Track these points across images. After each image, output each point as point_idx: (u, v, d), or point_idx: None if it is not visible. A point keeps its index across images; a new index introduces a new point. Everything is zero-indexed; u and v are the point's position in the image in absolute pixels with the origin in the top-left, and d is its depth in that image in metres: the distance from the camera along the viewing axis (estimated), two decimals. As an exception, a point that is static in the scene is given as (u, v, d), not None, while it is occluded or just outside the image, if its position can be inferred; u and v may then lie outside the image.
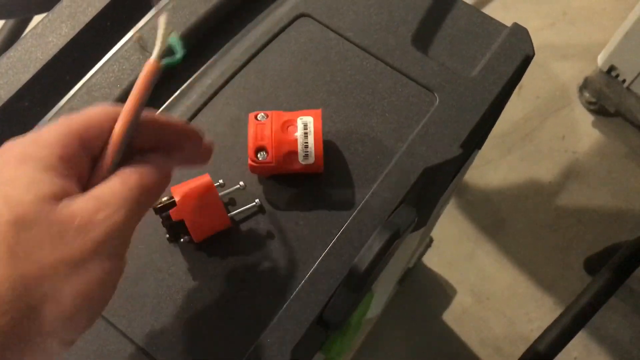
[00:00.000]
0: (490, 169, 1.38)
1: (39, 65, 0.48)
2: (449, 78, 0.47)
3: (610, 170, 1.37)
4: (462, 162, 0.55)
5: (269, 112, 0.43)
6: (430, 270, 1.28)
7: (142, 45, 0.34)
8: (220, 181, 0.43)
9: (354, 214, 0.43)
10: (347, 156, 0.45)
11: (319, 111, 0.42)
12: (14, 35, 1.03)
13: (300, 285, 0.42)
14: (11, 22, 1.06)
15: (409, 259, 0.88)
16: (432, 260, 1.28)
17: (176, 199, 0.40)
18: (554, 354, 0.94)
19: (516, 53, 0.48)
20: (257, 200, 0.43)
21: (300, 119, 0.42)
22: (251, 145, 0.42)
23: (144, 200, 0.30)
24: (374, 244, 0.40)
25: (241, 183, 0.43)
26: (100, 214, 0.26)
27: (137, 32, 0.32)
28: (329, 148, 0.45)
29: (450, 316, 1.25)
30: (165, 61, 0.30)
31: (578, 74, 1.44)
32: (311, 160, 0.42)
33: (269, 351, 0.40)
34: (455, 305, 1.27)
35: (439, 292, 1.27)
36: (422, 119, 0.46)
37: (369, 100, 0.47)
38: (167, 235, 0.42)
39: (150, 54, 0.30)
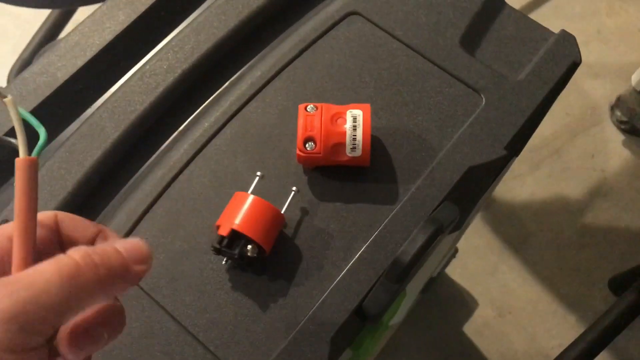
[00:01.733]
0: (517, 183, 1.37)
1: (95, 49, 0.49)
2: (495, 80, 0.48)
3: (639, 190, 1.36)
4: (504, 165, 0.55)
5: (318, 105, 0.44)
6: (453, 281, 1.28)
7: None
8: (259, 173, 0.43)
9: (397, 208, 0.44)
10: (392, 152, 0.46)
11: (367, 105, 0.43)
12: (59, 26, 1.06)
13: (341, 275, 0.42)
14: (56, 12, 1.09)
15: (436, 266, 0.88)
16: (456, 271, 1.28)
17: (239, 229, 0.40)
18: (577, 371, 0.93)
19: (563, 59, 0.48)
20: (294, 188, 0.43)
21: (350, 111, 0.43)
22: (300, 135, 0.43)
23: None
24: (419, 237, 0.40)
25: (294, 188, 0.43)
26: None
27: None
28: (375, 143, 0.46)
29: (471, 329, 1.25)
30: (36, 150, 0.27)
31: (610, 93, 1.43)
32: (358, 152, 0.42)
33: (309, 338, 0.41)
34: (476, 318, 1.26)
35: (461, 304, 1.27)
36: (467, 119, 0.47)
37: (415, 98, 0.48)
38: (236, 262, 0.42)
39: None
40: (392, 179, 0.45)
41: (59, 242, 0.29)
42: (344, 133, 0.42)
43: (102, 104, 0.47)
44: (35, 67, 0.48)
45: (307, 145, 0.43)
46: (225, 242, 0.40)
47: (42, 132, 0.27)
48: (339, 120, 0.42)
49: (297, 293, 0.42)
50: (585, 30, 1.53)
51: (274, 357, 0.40)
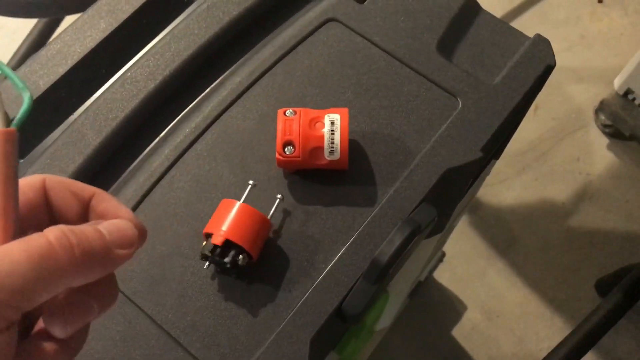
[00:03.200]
0: (503, 187, 1.38)
1: (76, 58, 0.50)
2: (471, 84, 0.49)
3: (624, 193, 1.37)
4: (481, 168, 0.56)
5: (297, 109, 0.44)
6: (441, 285, 1.28)
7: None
8: (251, 182, 0.44)
9: (376, 210, 0.45)
10: (371, 155, 0.46)
11: (345, 110, 0.44)
12: (45, 35, 1.06)
13: (321, 277, 0.43)
14: (43, 22, 1.10)
15: (422, 269, 0.89)
16: (444, 276, 1.29)
17: (233, 239, 0.40)
18: (563, 372, 0.94)
19: (538, 62, 0.49)
20: (279, 195, 0.44)
21: (328, 116, 0.43)
22: (279, 139, 0.43)
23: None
24: (396, 238, 0.41)
25: (279, 196, 0.44)
26: None
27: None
28: (353, 147, 0.46)
29: (459, 332, 1.25)
30: (17, 119, 0.25)
31: (594, 97, 1.45)
32: (337, 156, 0.43)
33: (289, 339, 0.41)
34: (464, 321, 1.27)
35: (449, 308, 1.28)
36: (444, 122, 0.48)
37: (393, 102, 0.48)
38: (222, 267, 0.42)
39: None
40: (370, 181, 0.46)
41: (48, 212, 0.27)
42: (322, 137, 0.43)
43: (84, 112, 0.48)
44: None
45: (286, 149, 0.43)
46: (218, 251, 0.40)
47: (26, 97, 0.25)
48: (317, 125, 0.43)
49: (278, 295, 0.43)
50: (569, 35, 1.55)
51: (255, 359, 0.41)
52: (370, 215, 0.44)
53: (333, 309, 0.42)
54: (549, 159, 1.41)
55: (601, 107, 1.40)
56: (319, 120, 0.43)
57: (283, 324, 0.42)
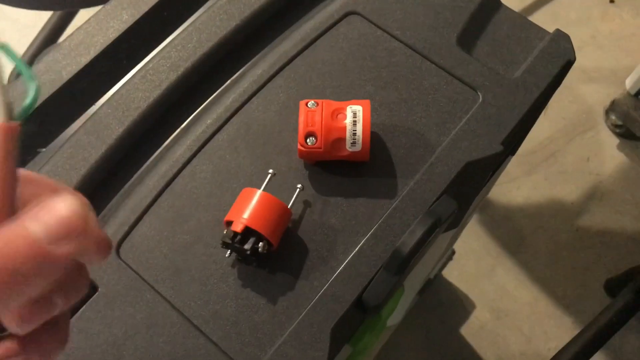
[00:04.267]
0: (513, 187, 1.38)
1: (99, 48, 0.50)
2: (492, 78, 0.49)
3: (634, 194, 1.37)
4: (501, 161, 0.56)
5: (319, 101, 0.44)
6: (450, 283, 1.28)
7: None
8: (271, 171, 0.44)
9: (397, 202, 0.45)
10: (391, 147, 0.47)
11: (367, 101, 0.44)
12: (58, 30, 1.06)
13: (341, 267, 0.43)
14: (56, 16, 1.10)
15: (434, 265, 0.89)
16: (453, 274, 1.29)
17: (253, 226, 0.41)
18: (573, 371, 0.94)
19: (558, 57, 0.49)
20: (299, 185, 0.44)
21: (350, 107, 0.43)
22: (301, 130, 0.43)
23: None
24: (418, 229, 0.41)
25: (299, 185, 0.44)
26: None
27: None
28: (374, 138, 0.47)
29: (467, 331, 1.25)
30: (20, 111, 0.23)
31: (605, 97, 1.44)
32: (358, 147, 0.43)
33: (310, 328, 0.41)
34: (473, 320, 1.27)
35: (458, 306, 1.28)
36: (464, 115, 0.48)
37: (413, 95, 0.49)
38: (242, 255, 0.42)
39: None
40: (391, 173, 0.46)
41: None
42: (344, 128, 0.43)
43: (106, 102, 0.48)
44: (40, 66, 0.49)
45: (308, 140, 0.43)
46: (238, 238, 0.41)
47: (32, 87, 0.23)
48: (340, 116, 0.43)
49: (299, 285, 0.43)
50: (580, 35, 1.55)
51: (276, 348, 0.41)
52: (391, 207, 0.45)
53: (354, 299, 0.42)
54: (559, 159, 1.41)
55: (612, 107, 1.40)
56: (341, 111, 0.44)
57: (304, 313, 0.42)
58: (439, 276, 1.25)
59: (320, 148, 0.43)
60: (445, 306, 1.27)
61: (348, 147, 0.43)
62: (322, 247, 0.44)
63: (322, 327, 0.41)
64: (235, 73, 0.50)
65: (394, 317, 0.91)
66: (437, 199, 0.45)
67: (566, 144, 1.42)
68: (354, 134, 0.43)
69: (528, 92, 0.48)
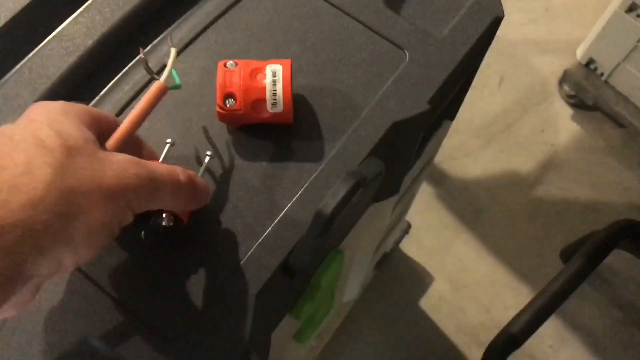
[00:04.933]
0: (470, 160, 1.39)
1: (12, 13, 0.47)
2: (419, 37, 0.48)
3: (588, 163, 1.39)
4: (432, 125, 0.55)
5: (238, 61, 0.43)
6: (408, 257, 1.29)
7: (145, 67, 0.38)
8: (169, 140, 0.42)
9: (323, 165, 0.44)
10: (317, 109, 0.45)
11: (288, 61, 0.43)
12: None
13: (266, 233, 0.42)
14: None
15: (384, 236, 0.89)
16: (411, 248, 1.29)
17: None
18: (526, 336, 0.95)
19: (486, 14, 0.49)
20: (209, 152, 0.42)
21: (269, 66, 0.42)
22: (219, 92, 0.42)
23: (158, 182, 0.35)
24: (340, 189, 0.40)
25: (208, 152, 0.43)
26: (132, 169, 0.33)
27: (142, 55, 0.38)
28: (299, 101, 0.45)
29: (427, 303, 1.26)
30: (170, 85, 0.38)
31: (558, 68, 1.45)
32: (279, 108, 0.42)
33: (234, 295, 0.40)
34: (432, 292, 1.27)
35: (416, 280, 1.28)
36: (391, 75, 0.47)
37: (340, 56, 0.47)
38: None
39: (156, 75, 0.38)
40: (317, 136, 0.45)
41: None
42: (264, 88, 0.41)
43: (17, 70, 0.46)
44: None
45: (227, 102, 0.42)
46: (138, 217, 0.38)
47: (179, 82, 0.39)
48: (259, 76, 0.42)
49: (221, 253, 0.41)
50: (533, 7, 1.55)
51: (201, 319, 0.40)
52: (317, 170, 0.44)
53: (279, 264, 0.41)
54: (514, 131, 1.42)
55: (564, 78, 1.41)
56: (260, 71, 0.42)
57: (227, 281, 0.41)
58: (395, 250, 1.25)
59: (240, 110, 0.42)
60: (404, 280, 1.28)
61: (269, 108, 0.42)
62: (245, 214, 0.43)
63: (247, 293, 0.40)
64: (156, 37, 0.48)
65: (350, 291, 0.90)
66: (364, 160, 0.44)
67: (521, 116, 1.43)
68: (274, 94, 0.42)
69: (455, 50, 0.47)
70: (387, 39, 0.48)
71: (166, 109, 0.45)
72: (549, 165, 1.39)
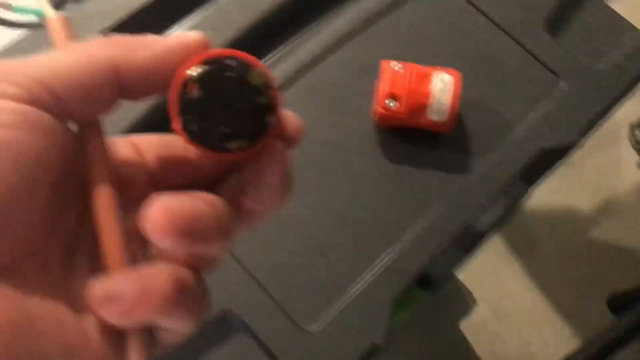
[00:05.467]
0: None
1: None
2: (576, 66, 0.47)
3: (647, 212, 1.37)
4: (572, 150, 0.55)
5: (404, 63, 0.43)
6: (455, 278, 1.28)
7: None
8: None
9: (469, 178, 0.43)
10: (469, 122, 0.45)
11: (457, 72, 0.42)
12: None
13: (408, 238, 0.42)
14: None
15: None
16: (459, 270, 1.28)
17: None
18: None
19: (647, 56, 0.48)
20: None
21: (439, 74, 0.42)
22: (383, 91, 0.42)
23: None
24: (496, 208, 0.40)
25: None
26: None
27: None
28: (452, 111, 0.45)
29: (467, 326, 1.25)
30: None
31: (632, 113, 1.43)
32: (442, 117, 0.42)
33: (371, 298, 0.40)
34: (474, 316, 1.26)
35: (461, 302, 1.27)
36: (544, 100, 0.46)
37: (495, 73, 0.47)
38: None
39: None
40: (466, 149, 0.44)
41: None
42: (430, 95, 0.41)
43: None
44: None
45: (390, 102, 0.42)
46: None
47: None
48: (426, 82, 0.42)
49: (363, 249, 0.41)
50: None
51: (334, 312, 0.39)
52: (463, 183, 0.43)
53: (418, 272, 0.41)
54: (578, 168, 1.40)
55: (638, 124, 1.39)
56: (427, 77, 0.42)
57: (366, 281, 0.40)
58: (447, 269, 1.24)
59: (402, 113, 0.42)
60: (449, 300, 1.27)
61: (431, 115, 0.42)
62: (390, 215, 0.42)
63: (384, 297, 0.40)
64: (313, 23, 0.48)
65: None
66: (510, 181, 0.43)
67: (588, 154, 1.42)
68: (440, 103, 0.41)
69: (612, 86, 0.47)
70: (543, 64, 0.47)
71: (319, 99, 0.45)
72: (609, 208, 1.37)
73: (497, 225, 0.40)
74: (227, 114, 0.21)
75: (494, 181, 0.43)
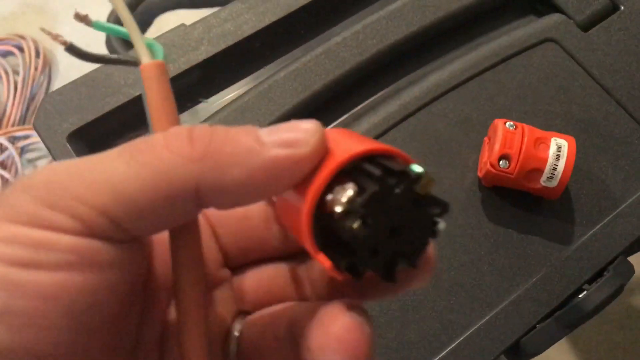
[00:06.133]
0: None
1: (284, 12, 0.47)
2: (688, 144, 0.45)
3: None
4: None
5: (518, 124, 0.41)
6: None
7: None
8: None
9: (571, 250, 0.42)
10: (575, 191, 0.43)
11: (573, 138, 0.41)
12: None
13: (503, 305, 0.40)
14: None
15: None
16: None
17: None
18: None
19: None
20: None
21: (555, 139, 0.40)
22: (497, 150, 0.40)
23: None
24: (605, 287, 0.38)
25: None
26: None
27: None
28: (558, 177, 0.43)
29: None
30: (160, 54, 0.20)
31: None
32: (553, 184, 0.40)
33: (461, 362, 0.38)
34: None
35: (493, 354, 1.24)
36: (653, 176, 0.44)
37: (602, 142, 0.45)
38: None
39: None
40: (570, 218, 0.43)
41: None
42: (546, 160, 0.40)
43: (283, 71, 0.45)
44: (221, 13, 0.47)
45: (501, 162, 0.40)
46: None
47: (156, 46, 0.20)
48: (542, 146, 0.40)
49: (454, 312, 0.40)
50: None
51: (423, 373, 0.38)
52: (564, 253, 0.41)
53: (511, 342, 0.39)
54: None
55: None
56: (544, 141, 0.40)
57: (455, 344, 0.39)
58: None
59: (512, 174, 0.40)
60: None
61: (543, 180, 0.40)
62: (484, 279, 0.41)
63: (474, 364, 0.38)
64: (418, 70, 0.48)
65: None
66: (614, 259, 0.42)
67: None
68: (554, 169, 0.40)
69: None
70: (654, 138, 0.46)
71: (421, 146, 0.44)
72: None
73: (605, 305, 0.38)
74: (396, 241, 0.17)
75: (598, 256, 0.42)
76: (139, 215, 0.16)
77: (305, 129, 0.17)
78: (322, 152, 0.17)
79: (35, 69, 1.04)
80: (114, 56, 0.20)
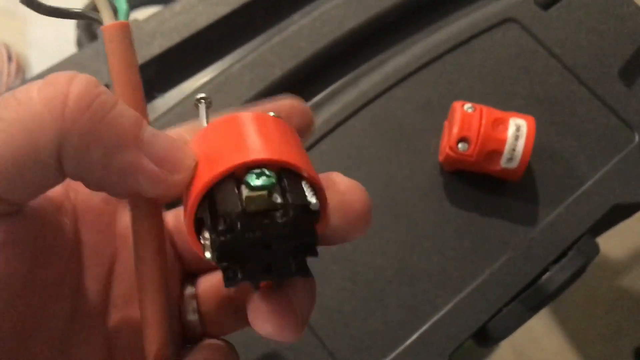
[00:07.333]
0: (560, 231, 1.34)
1: (239, 2, 0.47)
2: (652, 120, 0.45)
3: (681, 264, 1.33)
4: None
5: (476, 105, 0.41)
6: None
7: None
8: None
9: (535, 231, 0.41)
10: (537, 171, 0.43)
11: (532, 118, 0.40)
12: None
13: (468, 289, 0.39)
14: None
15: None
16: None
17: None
18: None
19: None
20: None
21: (513, 120, 0.40)
22: (455, 133, 0.40)
23: None
24: (568, 267, 0.37)
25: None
26: None
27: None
28: (520, 158, 0.43)
29: (489, 368, 1.21)
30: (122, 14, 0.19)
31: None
32: (513, 165, 0.40)
33: (426, 349, 0.38)
34: (494, 358, 1.23)
35: (483, 341, 1.24)
36: (617, 153, 0.44)
37: (565, 121, 0.45)
38: None
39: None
40: (533, 199, 0.42)
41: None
42: (504, 141, 0.39)
43: (240, 60, 0.45)
44: (175, 6, 0.46)
45: (460, 145, 0.40)
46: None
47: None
48: (501, 127, 0.40)
49: (419, 300, 0.39)
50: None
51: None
52: (528, 236, 0.41)
53: (478, 327, 0.38)
54: (611, 213, 1.37)
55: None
56: (502, 122, 0.40)
57: (421, 330, 0.38)
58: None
59: (472, 156, 0.40)
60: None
61: (503, 162, 0.40)
62: (451, 263, 0.40)
63: (440, 351, 0.38)
64: (377, 56, 0.47)
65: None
66: (579, 238, 0.41)
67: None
68: (513, 150, 0.39)
69: (690, 142, 0.44)
70: (617, 115, 0.45)
71: (381, 133, 0.43)
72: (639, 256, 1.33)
73: (568, 284, 0.38)
74: (266, 255, 0.18)
75: (564, 236, 0.41)
76: (5, 177, 0.15)
77: (186, 157, 0.16)
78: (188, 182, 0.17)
79: (9, 74, 1.03)
80: (75, 9, 0.19)
